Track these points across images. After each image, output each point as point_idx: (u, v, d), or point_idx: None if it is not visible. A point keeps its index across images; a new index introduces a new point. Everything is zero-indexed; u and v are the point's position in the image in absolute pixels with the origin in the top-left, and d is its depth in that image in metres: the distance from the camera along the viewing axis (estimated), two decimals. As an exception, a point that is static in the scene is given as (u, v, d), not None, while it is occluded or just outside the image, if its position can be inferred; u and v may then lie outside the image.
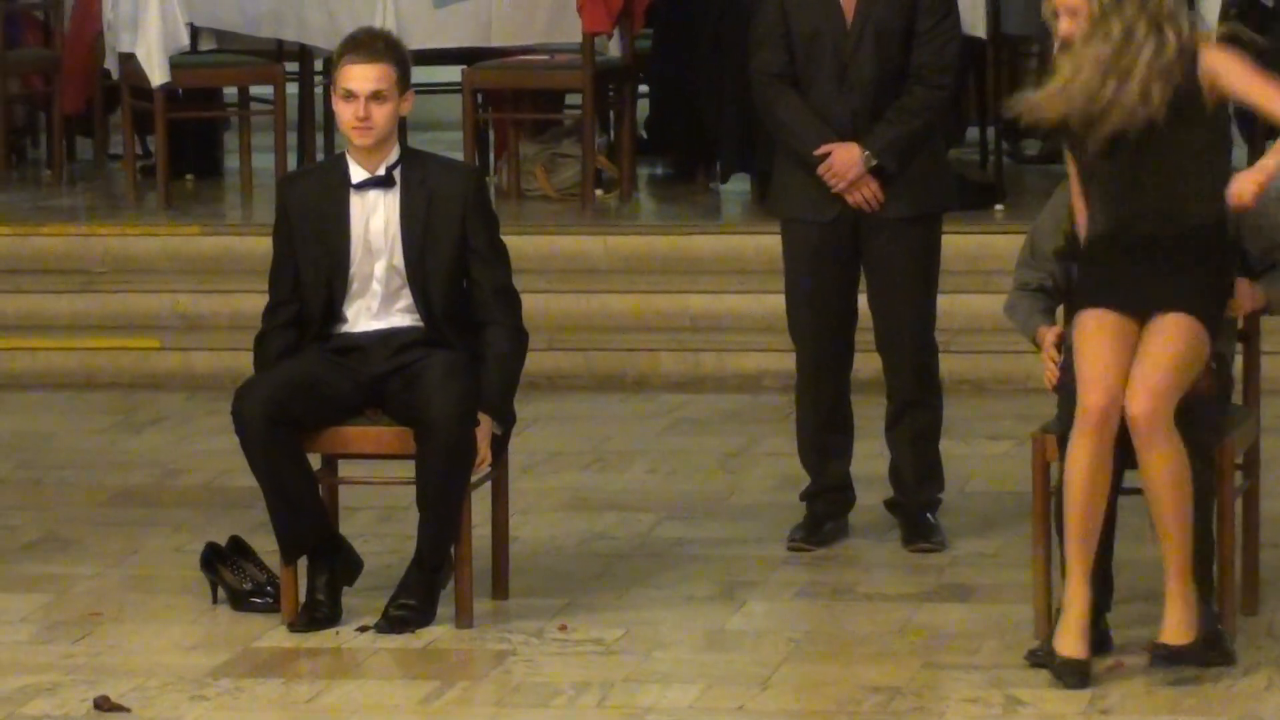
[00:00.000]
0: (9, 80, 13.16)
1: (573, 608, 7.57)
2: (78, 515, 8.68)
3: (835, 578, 7.98)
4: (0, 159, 13.20)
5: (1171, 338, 6.27)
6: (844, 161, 8.49)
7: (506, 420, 7.50)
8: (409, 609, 7.44)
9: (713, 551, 8.35)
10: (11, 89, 13.31)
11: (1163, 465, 6.35)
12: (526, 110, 12.89)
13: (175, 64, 12.22)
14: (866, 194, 8.28)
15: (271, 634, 7.45)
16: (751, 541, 8.38)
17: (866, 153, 8.26)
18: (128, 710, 6.72)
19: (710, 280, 10.98)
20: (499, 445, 7.51)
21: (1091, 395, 6.45)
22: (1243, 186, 6.21)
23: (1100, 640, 7.02)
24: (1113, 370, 6.35)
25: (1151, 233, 6.42)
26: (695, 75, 12.50)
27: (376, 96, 7.66)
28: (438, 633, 7.47)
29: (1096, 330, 6.38)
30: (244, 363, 7.70)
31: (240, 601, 7.74)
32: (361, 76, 7.69)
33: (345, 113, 7.70)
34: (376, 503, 8.25)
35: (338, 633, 7.48)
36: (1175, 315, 6.27)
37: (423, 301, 7.44)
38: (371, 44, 7.92)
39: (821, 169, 8.14)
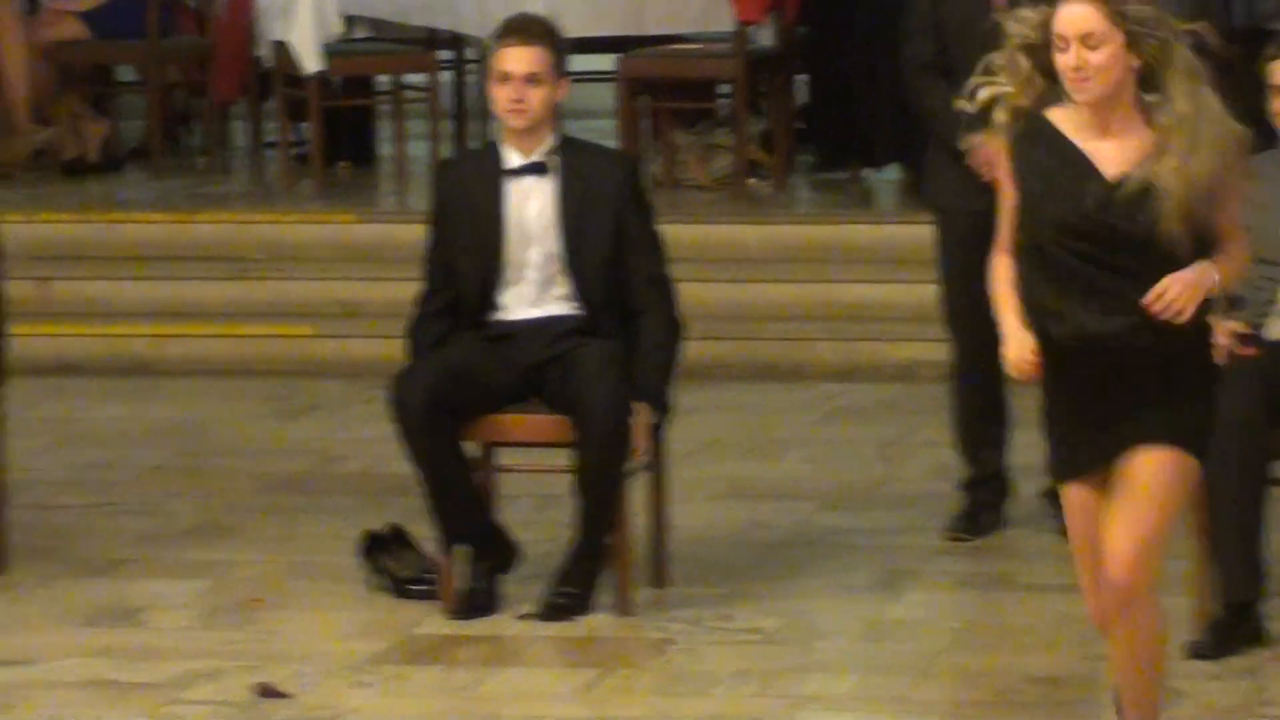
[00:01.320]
0: (165, 68, 13.29)
1: (732, 597, 7.61)
2: (237, 502, 8.81)
3: (994, 567, 8.00)
4: (157, 146, 13.29)
5: (1148, 486, 5.30)
6: (994, 151, 8.34)
7: (662, 409, 7.52)
8: (568, 596, 7.48)
9: (870, 541, 8.37)
10: (167, 77, 13.41)
11: (1132, 639, 5.55)
12: (680, 99, 12.95)
13: (329, 52, 12.35)
14: None
15: (431, 621, 7.52)
16: (909, 531, 8.41)
17: None
18: (289, 696, 6.81)
19: (865, 270, 11.02)
20: (655, 434, 7.51)
21: (1091, 602, 5.69)
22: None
23: (1253, 632, 6.91)
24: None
25: (1143, 345, 5.35)
26: (849, 65, 12.52)
27: (532, 79, 7.69)
28: (597, 620, 7.53)
29: (1080, 513, 5.44)
30: (399, 350, 7.76)
31: (400, 589, 7.80)
32: (517, 59, 7.73)
33: (501, 95, 7.75)
34: (535, 490, 8.24)
35: (497, 620, 7.51)
36: (1156, 453, 5.31)
37: (580, 289, 7.48)
38: (528, 28, 7.98)
39: (971, 158, 8.01)
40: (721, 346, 10.70)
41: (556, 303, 7.57)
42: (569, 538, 7.63)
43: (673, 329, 7.60)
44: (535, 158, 7.58)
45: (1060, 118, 5.32)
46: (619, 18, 13.08)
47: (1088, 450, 5.36)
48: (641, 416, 7.45)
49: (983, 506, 8.30)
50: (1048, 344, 5.32)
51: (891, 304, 10.95)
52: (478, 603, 7.50)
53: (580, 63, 9.51)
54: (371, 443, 9.14)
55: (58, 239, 11.27)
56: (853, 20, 12.69)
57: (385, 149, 12.96)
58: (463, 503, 7.49)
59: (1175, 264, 5.23)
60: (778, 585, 7.78)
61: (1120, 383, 5.33)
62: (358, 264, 10.99)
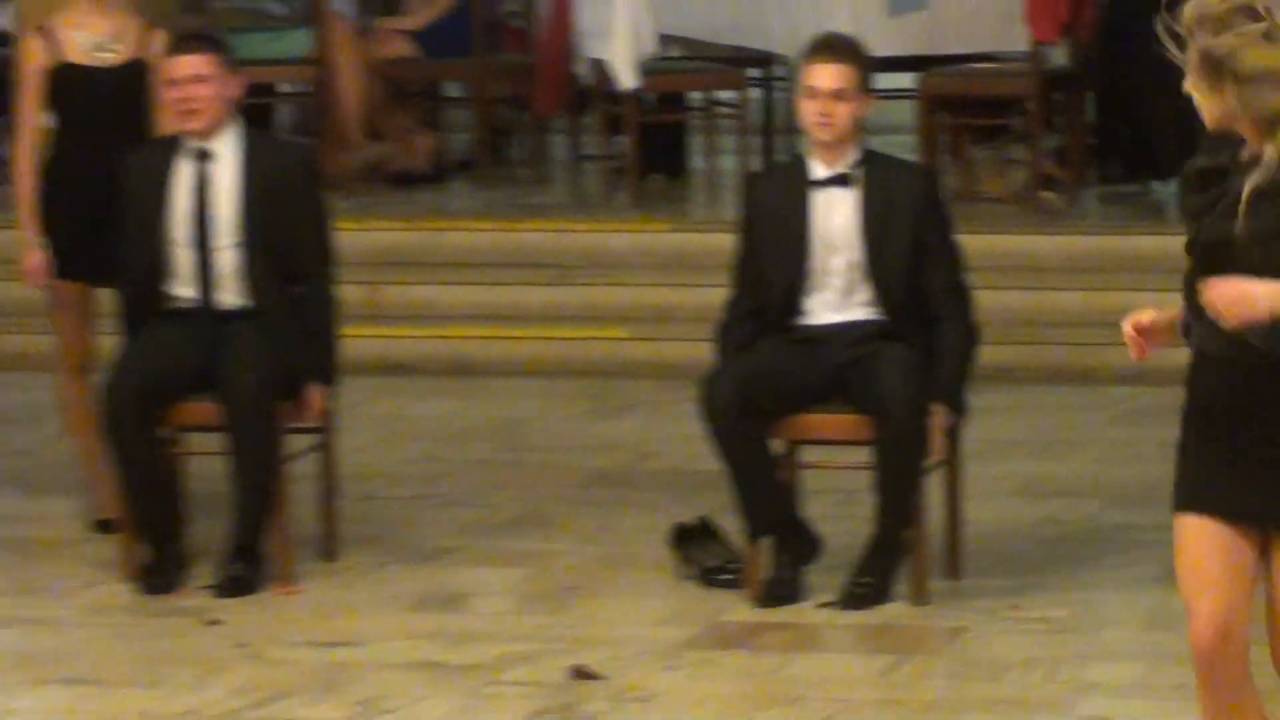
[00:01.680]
0: (490, 85, 13.49)
1: (1022, 588, 7.69)
2: (555, 495, 9.00)
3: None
4: (481, 159, 13.48)
5: None
6: None
7: (959, 410, 7.60)
8: (867, 586, 7.58)
9: (1156, 536, 8.21)
10: (493, 93, 13.62)
11: None
12: (977, 115, 12.95)
13: (645, 69, 12.42)
14: None
15: (737, 609, 7.64)
16: (1195, 528, 8.33)
17: None
18: (602, 678, 6.96)
19: (1154, 279, 10.66)
20: (951, 434, 7.60)
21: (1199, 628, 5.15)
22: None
23: None
24: (1221, 603, 4.92)
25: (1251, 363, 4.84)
26: (1137, 80, 12.18)
27: (838, 95, 7.72)
28: (895, 610, 7.61)
29: (1197, 543, 4.93)
30: (708, 352, 7.89)
31: (708, 578, 7.93)
32: (825, 75, 7.78)
33: (808, 109, 7.80)
34: (836, 486, 8.30)
35: (799, 608, 7.62)
36: None
37: (881, 295, 7.57)
38: (836, 46, 8.03)
39: None
40: (1015, 351, 10.68)
41: (859, 308, 7.65)
42: (868, 531, 7.67)
43: (970, 334, 7.67)
44: (840, 170, 7.68)
45: None
46: (920, 38, 12.91)
47: (1214, 493, 4.80)
48: (938, 417, 7.56)
49: None
50: (1191, 364, 4.98)
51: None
52: (781, 592, 7.61)
53: (883, 80, 9.59)
54: (682, 440, 9.25)
55: (387, 246, 11.48)
56: (1141, 36, 12.35)
57: (697, 162, 13.11)
58: (768, 497, 7.61)
59: None
60: (1066, 577, 7.86)
61: (1247, 417, 4.79)
62: (670, 270, 11.12)
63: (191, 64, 8.32)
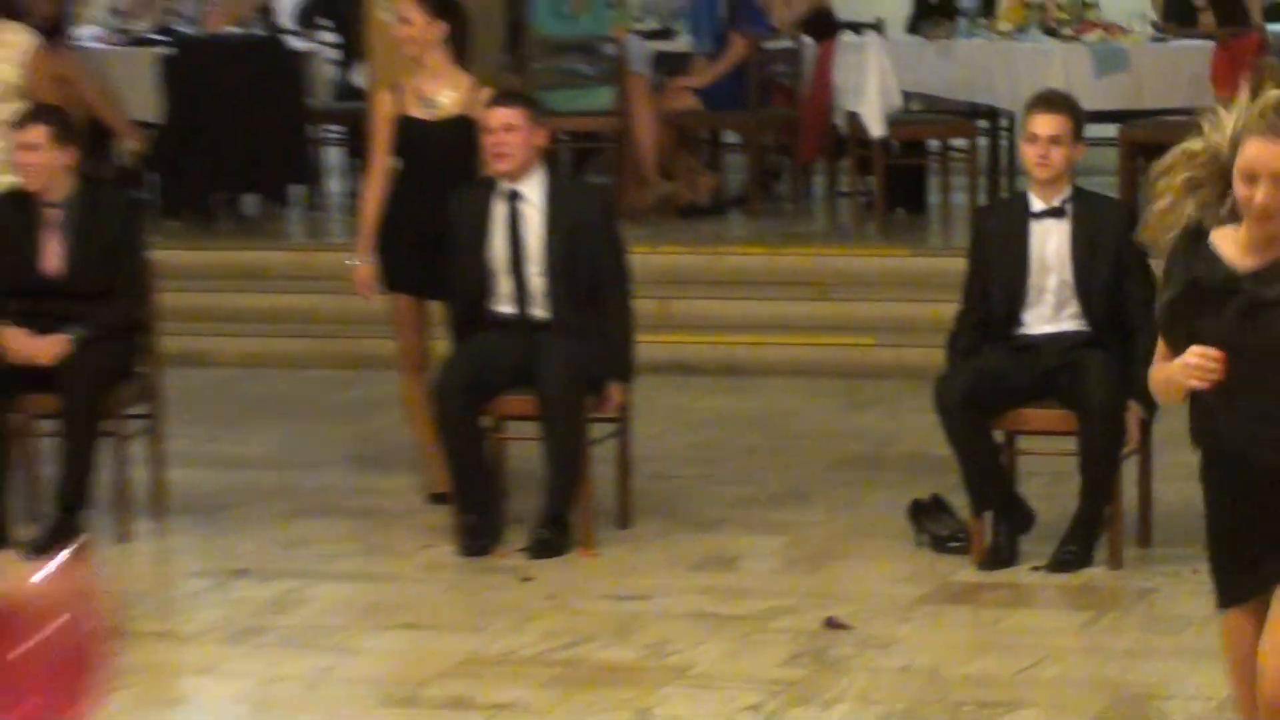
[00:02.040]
0: (762, 133, 13.58)
1: (1203, 555, 7.47)
2: (812, 474, 9.08)
3: None
4: (754, 195, 13.59)
5: None
6: None
7: (1150, 407, 7.58)
8: (1072, 553, 7.67)
9: None
10: (763, 140, 13.72)
11: None
12: (1172, 161, 12.67)
13: (891, 120, 12.55)
14: None
15: (963, 572, 7.74)
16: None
17: None
18: (851, 628, 7.10)
19: None
20: (1145, 426, 7.65)
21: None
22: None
23: None
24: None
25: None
26: None
27: (1055, 140, 7.78)
28: (1094, 573, 7.68)
29: (1235, 638, 4.48)
30: (942, 357, 8.01)
31: (939, 545, 8.04)
32: (1044, 123, 7.86)
33: (1029, 152, 7.88)
34: (1048, 469, 8.34)
35: (1015, 571, 7.72)
36: None
37: (1087, 310, 7.67)
38: (1053, 99, 8.14)
39: None
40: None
41: (1068, 320, 7.74)
42: (1073, 507, 7.76)
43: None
44: (1055, 204, 7.78)
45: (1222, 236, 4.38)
46: (1122, 95, 12.94)
47: (1246, 580, 4.41)
48: (1134, 412, 7.61)
49: None
50: (1210, 461, 4.46)
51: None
52: (1000, 557, 7.70)
53: (1091, 130, 9.61)
54: (919, 430, 9.27)
55: (675, 267, 11.62)
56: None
57: (934, 198, 13.26)
58: (990, 478, 7.73)
59: None
60: (1247, 545, 7.75)
61: (1273, 507, 4.34)
62: (910, 289, 11.21)
63: (504, 115, 8.40)
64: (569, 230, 8.42)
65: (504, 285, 8.37)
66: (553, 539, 8.19)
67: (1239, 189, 4.22)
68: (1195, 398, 4.35)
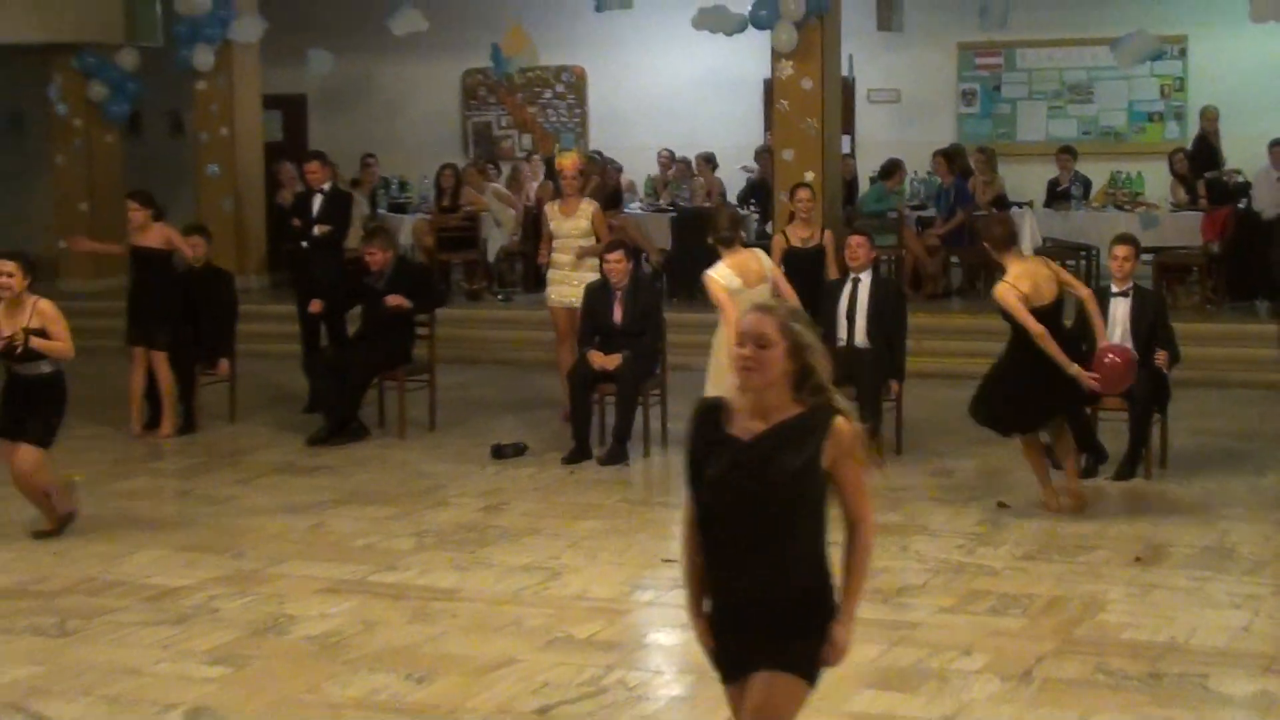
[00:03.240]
0: (971, 257, 13.79)
1: None
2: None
3: None
4: (966, 289, 14.08)
5: (761, 692, 3.62)
6: None
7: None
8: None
9: None
10: (972, 260, 13.88)
11: None
12: None
13: (1037, 250, 12.61)
14: None
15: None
16: None
17: None
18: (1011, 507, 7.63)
19: None
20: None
21: None
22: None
23: None
24: None
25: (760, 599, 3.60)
26: None
27: (1127, 258, 8.28)
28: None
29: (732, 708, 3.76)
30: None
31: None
32: (1122, 250, 8.33)
33: (1113, 265, 8.30)
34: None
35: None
36: (767, 673, 3.63)
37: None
38: (1125, 238, 8.52)
39: None
40: None
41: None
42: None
43: None
44: (1125, 289, 8.28)
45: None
46: (1157, 237, 13.15)
47: (734, 669, 3.74)
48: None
49: None
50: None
51: None
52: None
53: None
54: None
55: (919, 324, 10.78)
56: None
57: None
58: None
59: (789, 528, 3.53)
60: None
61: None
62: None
63: (857, 240, 9.01)
64: (880, 300, 9.26)
65: (842, 329, 9.17)
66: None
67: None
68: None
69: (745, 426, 3.56)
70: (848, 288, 9.46)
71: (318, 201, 11.26)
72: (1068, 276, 8.21)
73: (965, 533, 7.46)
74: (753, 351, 3.51)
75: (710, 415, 3.60)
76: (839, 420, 3.53)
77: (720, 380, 7.98)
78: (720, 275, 8.45)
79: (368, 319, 10.33)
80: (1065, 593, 6.54)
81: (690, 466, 3.61)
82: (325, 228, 11.17)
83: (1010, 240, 7.96)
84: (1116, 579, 6.77)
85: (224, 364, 10.65)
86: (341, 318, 10.98)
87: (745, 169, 16.16)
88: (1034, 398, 7.77)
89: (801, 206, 10.34)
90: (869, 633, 5.79)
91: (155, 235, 10.50)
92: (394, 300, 10.02)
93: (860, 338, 9.32)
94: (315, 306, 10.54)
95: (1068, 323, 8.14)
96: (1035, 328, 7.66)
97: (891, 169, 14.47)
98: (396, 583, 6.94)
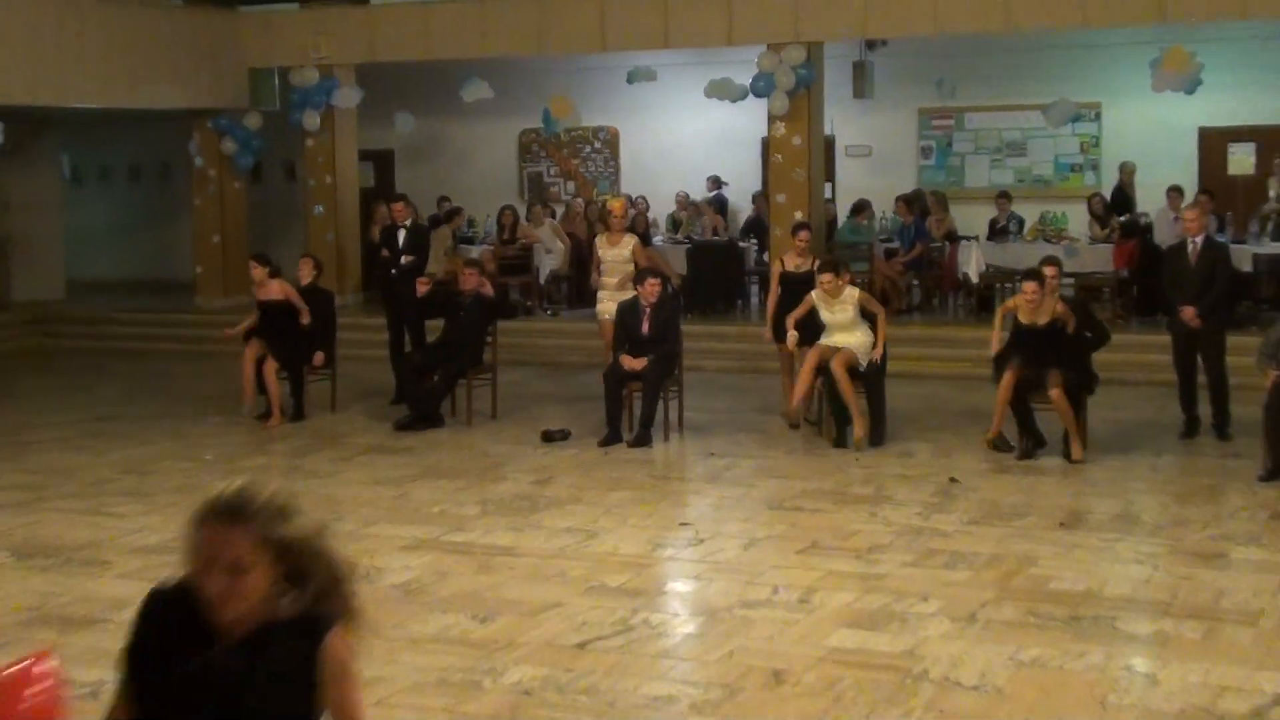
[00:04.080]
0: (927, 279, 13.77)
1: None
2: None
3: None
4: (923, 306, 13.77)
5: None
6: None
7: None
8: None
9: None
10: (928, 283, 13.82)
11: None
12: None
13: (980, 274, 12.87)
14: None
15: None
16: None
17: None
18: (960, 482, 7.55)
19: None
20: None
21: None
22: None
23: None
24: None
25: None
26: None
27: (1052, 278, 8.06)
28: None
29: None
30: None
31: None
32: (1048, 271, 8.13)
33: (1029, 287, 8.05)
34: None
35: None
36: None
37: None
38: (1050, 259, 8.32)
39: None
40: None
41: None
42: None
43: None
44: (1043, 323, 8.04)
45: None
46: (1078, 265, 12.83)
47: None
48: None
49: None
50: None
51: None
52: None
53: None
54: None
55: None
56: None
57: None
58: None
59: None
60: None
61: None
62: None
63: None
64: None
65: None
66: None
67: None
68: None
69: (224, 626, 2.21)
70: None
71: (402, 235, 11.28)
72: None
73: (923, 502, 7.46)
74: (226, 584, 2.15)
75: (172, 606, 2.22)
76: (332, 636, 2.24)
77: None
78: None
79: (450, 328, 10.22)
80: (1003, 551, 6.53)
81: (136, 657, 2.24)
82: (410, 258, 11.19)
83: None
84: (1045, 540, 6.74)
85: (319, 355, 10.47)
86: (422, 325, 10.93)
87: (716, 182, 16.17)
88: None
89: (802, 245, 10.19)
90: (845, 582, 5.96)
91: (275, 289, 10.51)
92: (473, 280, 10.08)
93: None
94: (423, 285, 10.38)
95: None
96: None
97: (860, 206, 14.31)
98: (465, 541, 6.95)
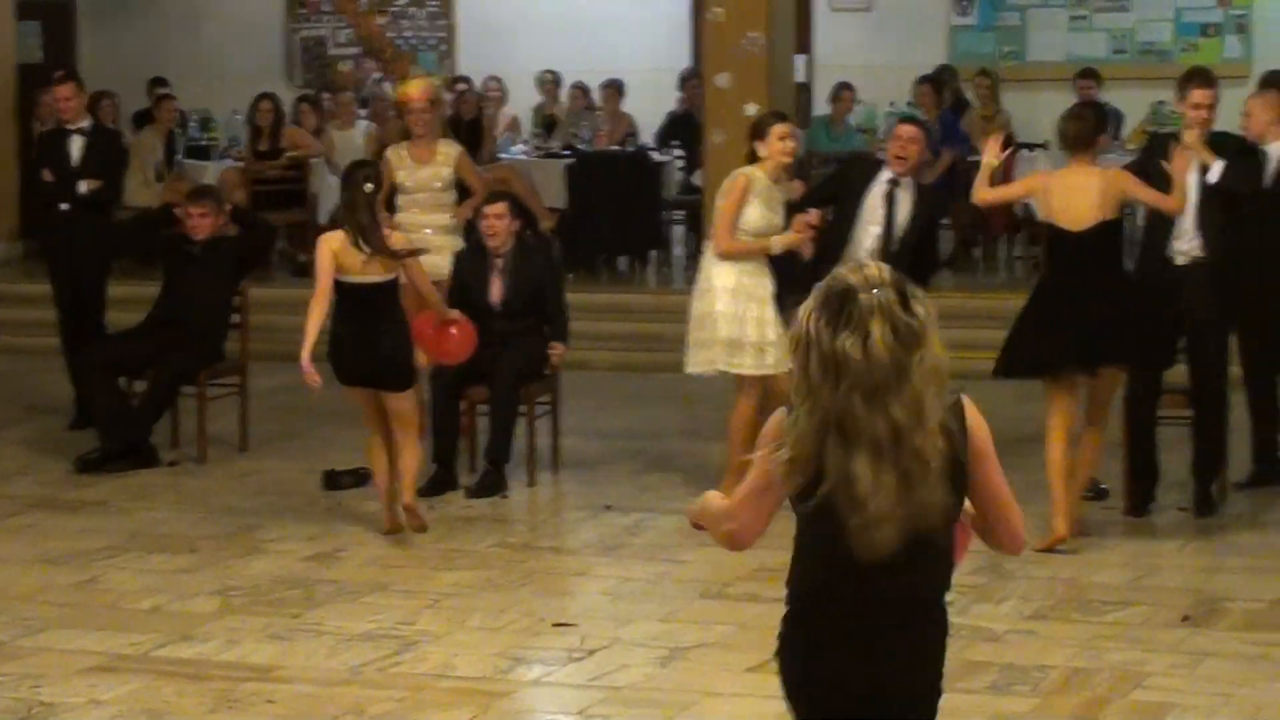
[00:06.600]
0: (963, 214, 13.81)
1: None
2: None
3: None
4: (959, 256, 14.26)
5: None
6: None
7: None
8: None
9: None
10: (964, 219, 14.07)
11: None
12: None
13: None
14: None
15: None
16: None
17: None
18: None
19: None
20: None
21: None
22: None
23: None
24: None
25: None
26: None
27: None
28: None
29: None
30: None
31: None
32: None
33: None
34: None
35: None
36: None
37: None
38: None
39: None
40: None
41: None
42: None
43: None
44: None
45: None
46: None
47: None
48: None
49: None
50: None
51: None
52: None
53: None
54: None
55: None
56: None
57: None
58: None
59: None
60: None
61: None
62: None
63: (908, 130, 9.22)
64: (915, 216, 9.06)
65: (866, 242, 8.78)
66: None
67: None
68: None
69: None
70: (878, 188, 9.54)
71: (75, 144, 11.03)
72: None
73: (957, 584, 7.45)
74: None
75: None
76: None
77: (705, 354, 8.47)
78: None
79: (169, 299, 10.28)
80: (1089, 664, 6.67)
81: None
82: (95, 183, 10.98)
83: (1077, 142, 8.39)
84: (1157, 644, 6.91)
85: None
86: (102, 294, 10.97)
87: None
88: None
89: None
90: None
91: None
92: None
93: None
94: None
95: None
96: None
97: (833, 95, 15.04)
98: (194, 658, 6.97)
